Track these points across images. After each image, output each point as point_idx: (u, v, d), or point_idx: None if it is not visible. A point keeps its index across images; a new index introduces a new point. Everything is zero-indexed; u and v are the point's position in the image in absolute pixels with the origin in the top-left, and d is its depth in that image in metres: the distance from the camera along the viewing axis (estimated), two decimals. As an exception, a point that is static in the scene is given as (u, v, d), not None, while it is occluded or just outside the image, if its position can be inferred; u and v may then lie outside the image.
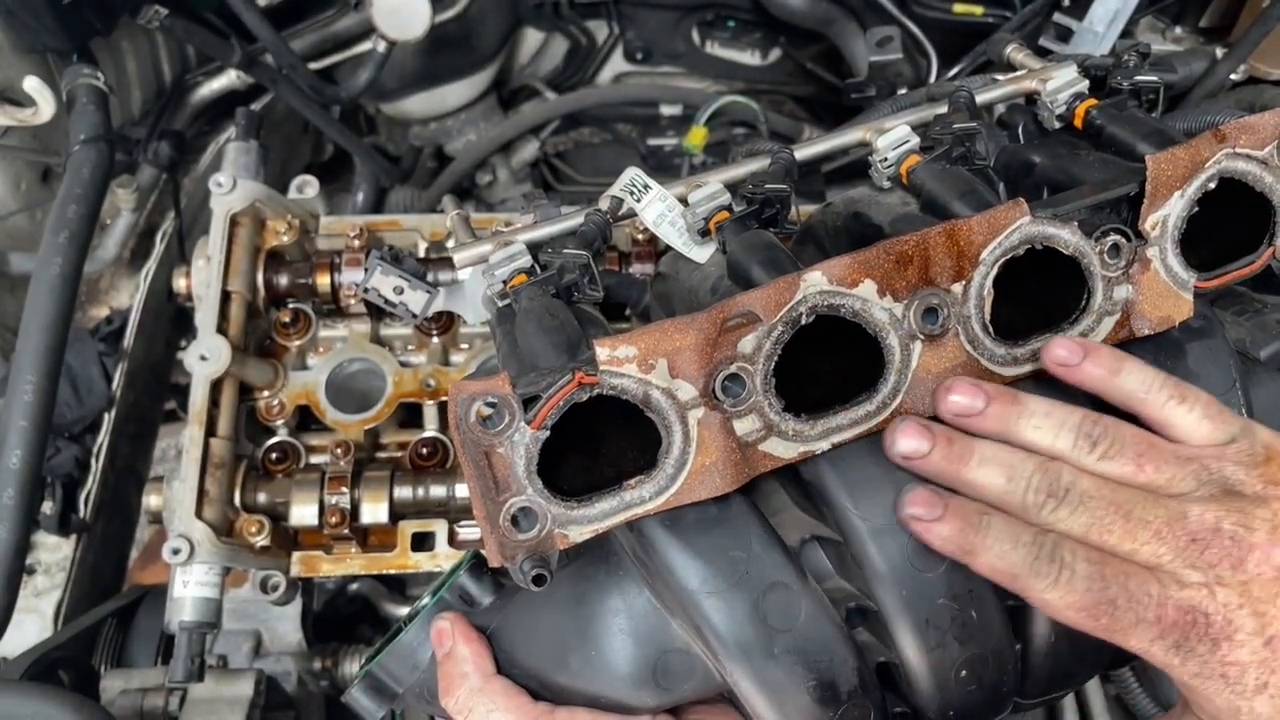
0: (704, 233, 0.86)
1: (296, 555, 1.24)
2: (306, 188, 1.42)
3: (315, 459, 1.30)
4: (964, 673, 0.74)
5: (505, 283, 0.83)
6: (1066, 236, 0.74)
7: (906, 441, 0.70)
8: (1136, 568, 0.66)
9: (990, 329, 0.75)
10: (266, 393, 1.30)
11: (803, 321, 0.71)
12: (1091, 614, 0.65)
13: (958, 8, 1.74)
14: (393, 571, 1.24)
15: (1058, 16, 1.57)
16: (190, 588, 1.13)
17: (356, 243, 1.30)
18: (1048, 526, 0.68)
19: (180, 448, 1.18)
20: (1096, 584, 0.64)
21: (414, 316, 1.14)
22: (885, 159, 0.89)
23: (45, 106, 1.33)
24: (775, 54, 2.18)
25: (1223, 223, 0.80)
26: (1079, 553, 0.66)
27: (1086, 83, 0.94)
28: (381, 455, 1.34)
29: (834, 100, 2.13)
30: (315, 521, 1.20)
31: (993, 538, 0.67)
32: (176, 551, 1.10)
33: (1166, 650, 0.65)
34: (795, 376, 0.73)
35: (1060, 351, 0.73)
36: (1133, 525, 0.66)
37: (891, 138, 0.89)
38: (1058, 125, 0.94)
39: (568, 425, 0.69)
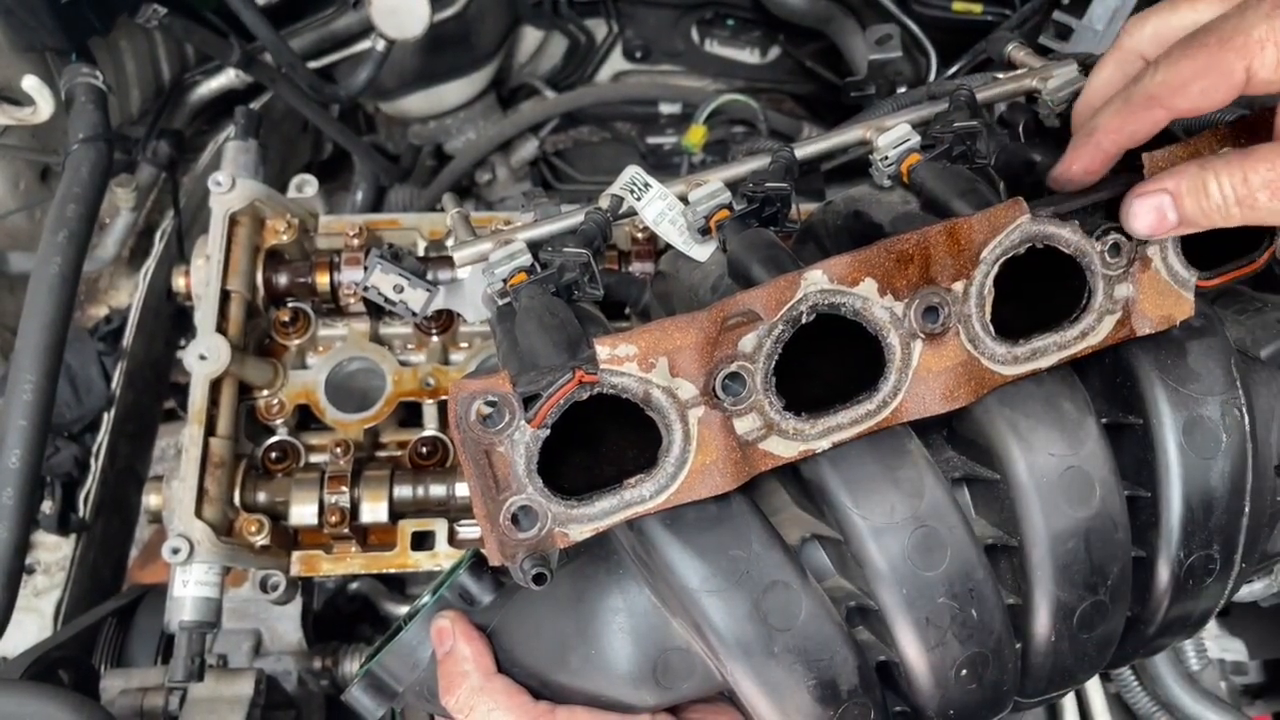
0: (704, 231, 0.86)
1: (296, 554, 1.24)
2: (306, 186, 1.41)
3: (315, 458, 1.29)
4: (964, 671, 0.74)
5: (505, 281, 0.83)
6: (1067, 235, 0.74)
7: None
8: None
9: (991, 328, 0.74)
10: (266, 392, 1.30)
11: (803, 320, 0.71)
12: None
13: (957, 5, 1.74)
14: (393, 570, 1.24)
15: (1057, 14, 1.57)
16: (190, 587, 1.13)
17: (356, 241, 1.30)
18: None
19: (180, 447, 1.18)
20: None
21: (414, 315, 1.13)
22: (886, 157, 0.89)
23: (44, 105, 1.33)
24: (774, 52, 2.18)
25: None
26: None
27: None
28: (381, 454, 1.33)
29: (833, 99, 2.13)
30: (315, 521, 1.20)
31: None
32: (176, 551, 1.10)
33: None
34: (795, 375, 0.73)
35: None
36: None
37: (892, 136, 0.89)
38: (1058, 123, 0.93)
39: (568, 424, 0.69)
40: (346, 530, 1.20)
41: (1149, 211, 0.71)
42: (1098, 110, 0.73)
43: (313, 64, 1.80)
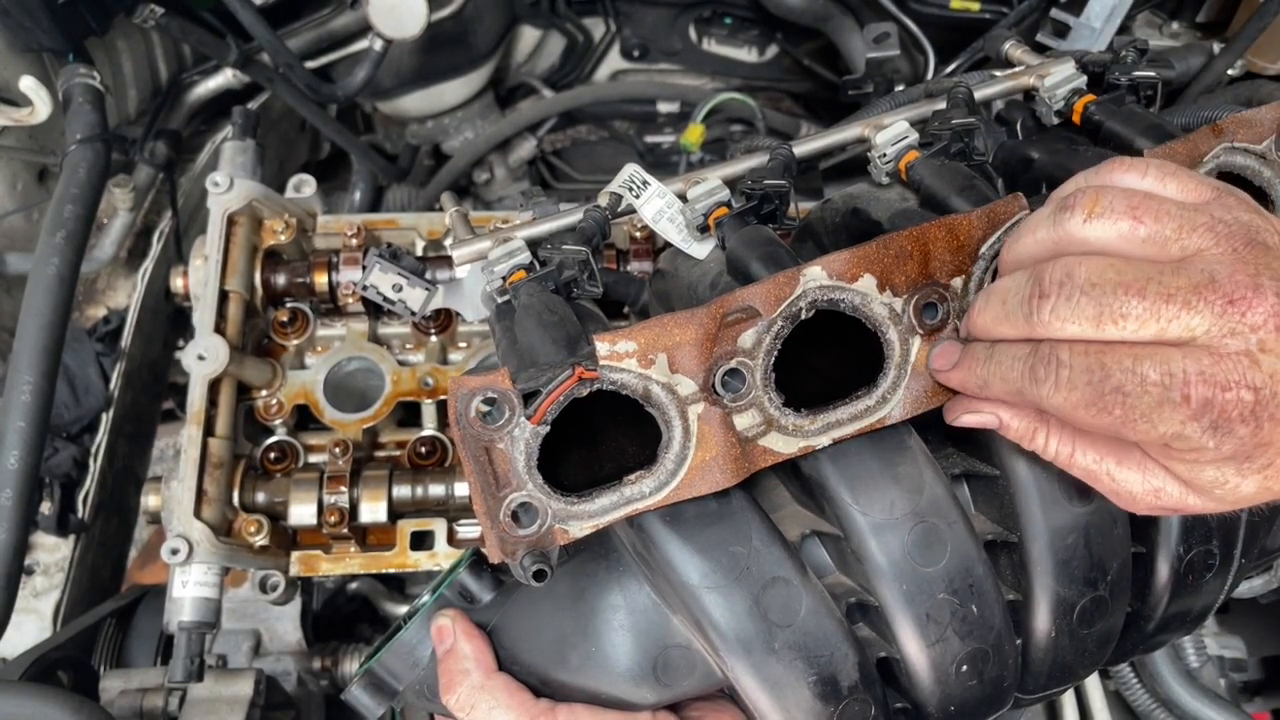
0: (703, 229, 0.86)
1: (295, 554, 1.24)
2: (304, 186, 1.41)
3: (314, 458, 1.29)
4: (964, 668, 0.74)
5: (504, 279, 0.83)
6: (1065, 231, 0.74)
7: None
8: (1153, 349, 0.58)
9: (990, 323, 0.74)
10: (265, 392, 1.30)
11: (802, 316, 0.71)
12: (1100, 407, 0.59)
13: (955, 3, 1.74)
14: (392, 570, 1.24)
15: (1055, 12, 1.57)
16: (189, 588, 1.13)
17: (354, 241, 1.30)
18: (1055, 334, 0.61)
19: (178, 447, 1.18)
20: (1097, 374, 0.58)
21: (412, 314, 1.13)
22: (884, 155, 0.89)
23: (41, 106, 1.33)
24: (772, 51, 2.18)
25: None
26: (1076, 349, 0.60)
27: (1084, 78, 0.94)
28: (380, 454, 1.33)
29: (831, 97, 2.13)
30: (314, 521, 1.20)
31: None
32: (175, 551, 1.10)
33: (1203, 433, 0.57)
34: (795, 371, 0.73)
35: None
36: (1152, 302, 0.57)
37: (890, 134, 0.89)
38: (1056, 121, 0.94)
39: (567, 421, 0.69)
40: (345, 530, 1.20)
41: (973, 420, 0.71)
42: (998, 367, 0.65)
43: (310, 64, 1.79)
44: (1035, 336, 0.63)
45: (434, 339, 1.35)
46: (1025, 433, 0.69)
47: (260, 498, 1.22)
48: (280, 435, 1.30)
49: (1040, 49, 1.04)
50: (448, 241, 1.31)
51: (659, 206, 0.88)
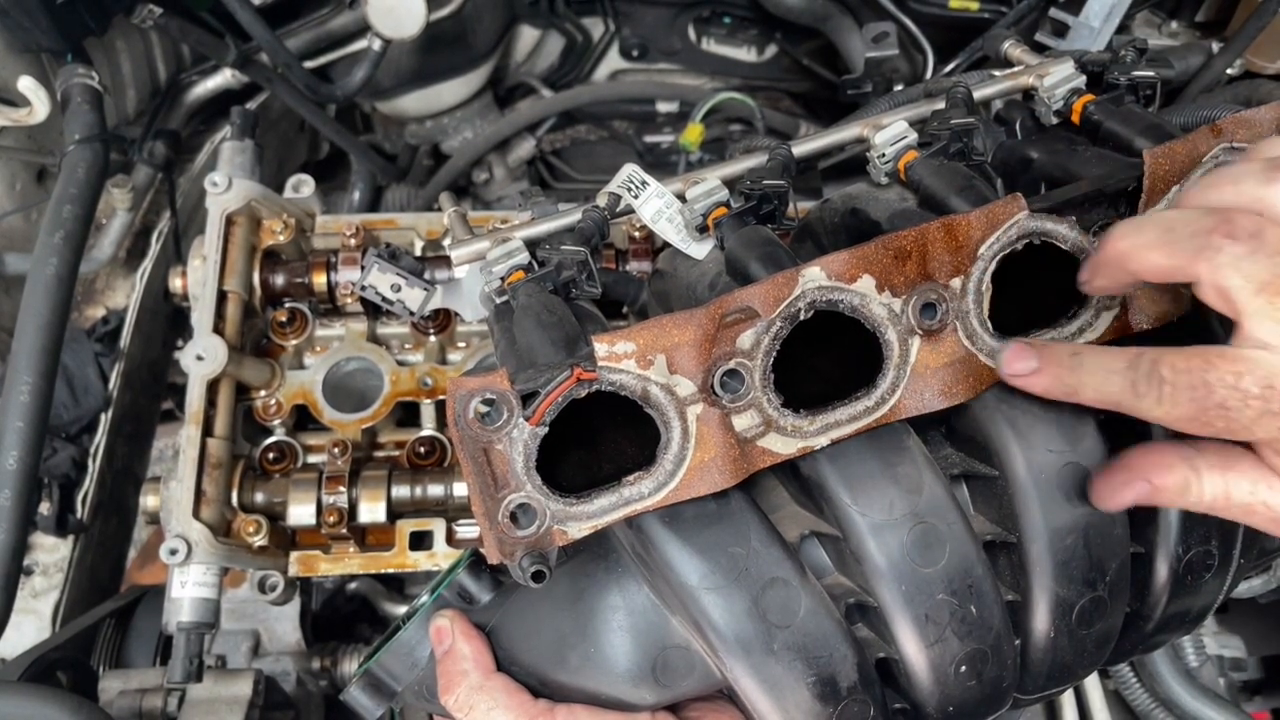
0: (702, 229, 0.86)
1: (294, 555, 1.24)
2: (302, 186, 1.41)
3: (313, 458, 1.29)
4: (963, 668, 0.74)
5: (503, 279, 0.83)
6: (1064, 231, 0.74)
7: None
8: (1254, 360, 0.60)
9: (989, 324, 0.74)
10: (263, 392, 1.30)
11: (801, 317, 0.71)
12: (1204, 422, 0.62)
13: (954, 3, 1.74)
14: (391, 570, 1.24)
15: (1054, 12, 1.57)
16: (188, 588, 1.13)
17: (353, 241, 1.30)
18: (1209, 278, 0.61)
19: (177, 448, 1.18)
20: (1200, 392, 0.61)
21: (411, 314, 1.13)
22: (883, 155, 0.89)
23: (40, 106, 1.33)
24: (771, 50, 2.18)
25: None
26: (1178, 365, 0.62)
27: (1083, 78, 0.94)
28: (379, 454, 1.33)
29: (830, 96, 2.13)
30: (313, 521, 1.20)
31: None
32: (174, 552, 1.10)
33: None
34: (794, 372, 0.73)
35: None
36: None
37: (889, 134, 0.89)
38: (1055, 121, 0.94)
39: (566, 421, 0.69)
40: (344, 530, 1.20)
41: (1131, 496, 0.70)
42: (1091, 378, 0.68)
43: (309, 63, 1.79)
44: (1184, 274, 0.63)
45: (433, 339, 1.35)
46: (1178, 491, 0.68)
47: (259, 498, 1.22)
48: (279, 435, 1.30)
49: (1039, 48, 1.04)
50: (446, 241, 1.31)
51: (658, 206, 0.88)
